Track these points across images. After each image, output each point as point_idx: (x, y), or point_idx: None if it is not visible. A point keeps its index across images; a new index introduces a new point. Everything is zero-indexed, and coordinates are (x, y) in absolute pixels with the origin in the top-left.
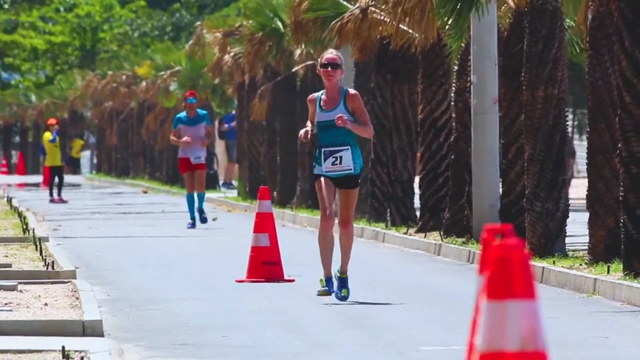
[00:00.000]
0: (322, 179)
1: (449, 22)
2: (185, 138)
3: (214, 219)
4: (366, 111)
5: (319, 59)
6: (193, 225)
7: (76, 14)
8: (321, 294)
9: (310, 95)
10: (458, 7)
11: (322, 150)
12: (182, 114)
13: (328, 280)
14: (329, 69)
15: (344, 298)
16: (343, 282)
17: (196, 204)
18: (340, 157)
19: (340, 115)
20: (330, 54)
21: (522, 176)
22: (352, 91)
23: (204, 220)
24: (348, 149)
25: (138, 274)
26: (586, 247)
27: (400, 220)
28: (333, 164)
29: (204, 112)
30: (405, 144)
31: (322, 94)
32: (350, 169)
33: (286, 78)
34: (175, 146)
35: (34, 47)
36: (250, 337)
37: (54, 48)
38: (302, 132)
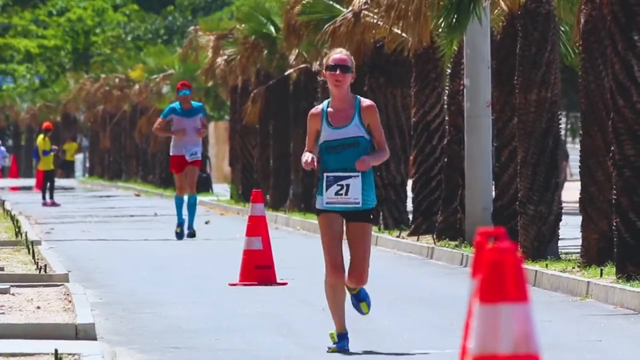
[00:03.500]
0: (327, 216)
1: (443, 27)
2: (179, 130)
3: (206, 222)
4: (381, 127)
5: (324, 61)
6: (180, 235)
7: (68, 17)
8: (332, 351)
9: (313, 110)
10: (455, 15)
11: (325, 175)
12: (176, 104)
13: (341, 336)
14: (338, 72)
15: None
16: (358, 296)
17: (185, 217)
18: (347, 186)
19: (363, 159)
20: (339, 53)
21: (515, 179)
22: (367, 102)
23: (191, 235)
24: (358, 176)
25: (131, 277)
26: (579, 250)
27: (393, 224)
28: (337, 193)
29: (199, 103)
30: (399, 147)
31: (327, 106)
32: (358, 203)
33: (279, 81)
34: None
35: (27, 50)
36: (243, 340)
37: (46, 52)
38: (306, 158)
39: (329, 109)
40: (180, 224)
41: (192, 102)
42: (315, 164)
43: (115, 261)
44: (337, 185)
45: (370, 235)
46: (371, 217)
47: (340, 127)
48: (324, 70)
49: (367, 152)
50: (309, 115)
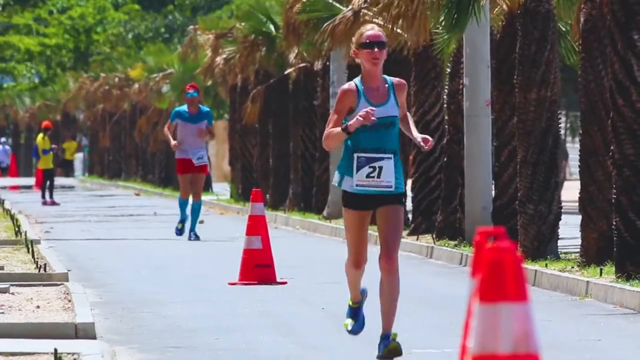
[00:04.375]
0: (355, 207)
1: (443, 26)
2: (174, 143)
3: (200, 222)
4: None
5: (355, 37)
6: (180, 232)
7: (69, 15)
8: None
9: (346, 86)
10: (455, 13)
11: (356, 156)
12: (183, 108)
13: (356, 311)
14: (375, 49)
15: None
16: (388, 338)
17: (188, 220)
18: (380, 169)
19: (426, 137)
20: (371, 29)
21: (515, 179)
22: (397, 79)
23: (195, 237)
24: (391, 158)
25: (130, 277)
26: (578, 250)
27: None
28: (368, 176)
29: (207, 109)
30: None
31: (360, 83)
32: (390, 186)
33: (278, 81)
34: (168, 148)
35: (27, 48)
36: (242, 339)
37: (47, 50)
38: (358, 115)
39: (363, 87)
40: (182, 220)
41: (201, 107)
42: (372, 112)
43: (115, 260)
44: (369, 167)
45: (402, 220)
46: (402, 200)
47: (380, 105)
48: (355, 49)
49: (398, 132)
50: (342, 92)
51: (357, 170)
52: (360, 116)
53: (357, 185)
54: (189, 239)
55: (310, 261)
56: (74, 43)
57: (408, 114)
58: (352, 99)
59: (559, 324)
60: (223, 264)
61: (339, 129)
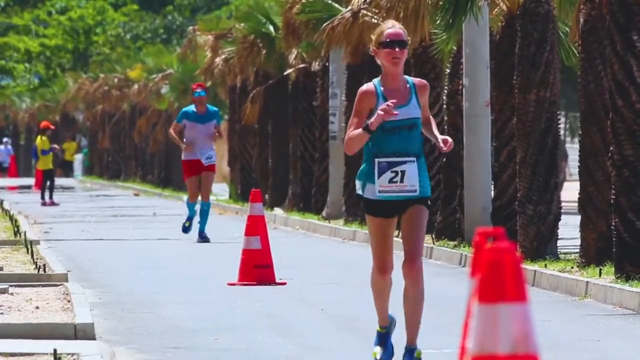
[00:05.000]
0: (377, 213)
1: (442, 26)
2: (184, 145)
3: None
4: None
5: (375, 36)
6: (187, 229)
7: (69, 16)
8: None
9: (365, 87)
10: (452, 13)
11: (377, 161)
12: (190, 108)
13: (385, 336)
14: (396, 48)
15: None
16: (412, 354)
17: (197, 219)
18: (403, 173)
19: (446, 138)
20: (392, 27)
21: (514, 179)
22: (419, 80)
23: (204, 240)
24: (414, 161)
25: (130, 277)
26: (578, 250)
27: None
28: (391, 181)
29: (215, 109)
30: None
31: (379, 84)
32: (415, 191)
33: (278, 81)
34: (168, 148)
35: (27, 49)
36: (242, 340)
37: (46, 51)
38: (379, 111)
39: (382, 88)
40: (190, 217)
41: (209, 106)
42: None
43: (114, 261)
44: (391, 172)
45: (425, 216)
46: (428, 203)
47: (401, 107)
48: (374, 48)
49: (421, 135)
50: (360, 93)
51: (379, 175)
52: (380, 110)
53: (379, 192)
54: (198, 241)
55: (309, 262)
56: (73, 44)
57: (431, 116)
58: (371, 100)
59: (558, 325)
60: (222, 265)
61: (360, 130)
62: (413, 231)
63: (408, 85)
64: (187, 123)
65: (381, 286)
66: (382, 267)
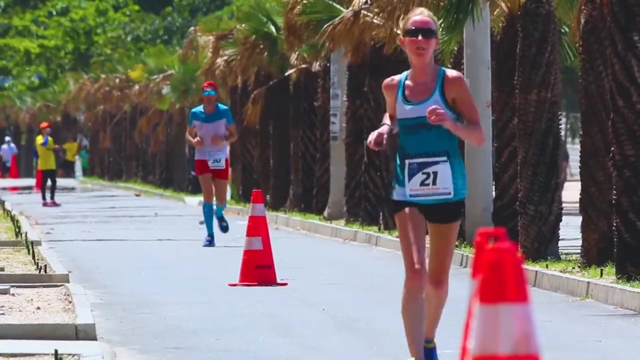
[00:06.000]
0: (407, 211)
1: (444, 27)
2: (195, 140)
3: (201, 222)
4: (474, 103)
5: (401, 24)
6: (211, 242)
7: (70, 17)
8: None
9: (388, 80)
10: (454, 14)
11: (406, 162)
12: (199, 109)
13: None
14: (420, 37)
15: None
16: (430, 355)
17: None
18: (434, 174)
19: (434, 107)
20: (419, 14)
21: (515, 180)
22: (453, 72)
23: (224, 229)
24: (446, 160)
25: (131, 278)
26: (579, 251)
27: (393, 224)
28: (423, 183)
29: (225, 107)
30: None
31: (405, 78)
32: (448, 193)
33: (279, 82)
34: (169, 149)
35: (27, 50)
36: (243, 340)
37: (46, 52)
38: (373, 135)
39: (407, 82)
40: (210, 234)
41: (219, 105)
42: (385, 141)
43: (116, 261)
44: (422, 173)
45: (455, 232)
46: (461, 210)
47: (417, 103)
48: (401, 37)
49: (450, 134)
50: (383, 86)
51: (410, 178)
52: (368, 141)
53: (410, 195)
54: (220, 230)
55: (310, 262)
56: (73, 45)
57: (475, 119)
58: (391, 95)
59: (559, 325)
60: (223, 265)
61: (372, 135)
62: (439, 249)
63: (436, 80)
64: (197, 123)
65: (413, 302)
66: (414, 267)
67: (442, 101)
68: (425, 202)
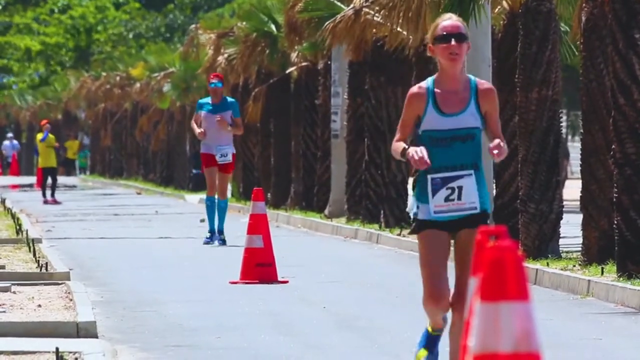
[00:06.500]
0: (430, 234)
1: None
2: (199, 131)
3: (201, 220)
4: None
5: (430, 30)
6: (211, 239)
7: (70, 15)
8: None
9: (415, 89)
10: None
11: (430, 177)
12: (205, 100)
13: (430, 338)
14: (453, 42)
15: None
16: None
17: (216, 219)
18: (459, 189)
19: (498, 142)
20: (449, 19)
21: (516, 177)
22: (485, 84)
23: (222, 242)
24: (471, 174)
25: (132, 276)
26: (580, 249)
27: (394, 222)
28: (447, 199)
29: (232, 99)
30: None
31: (432, 85)
32: (475, 208)
33: (280, 80)
34: (170, 147)
35: (27, 48)
36: (243, 338)
37: (47, 49)
38: (414, 153)
39: (437, 90)
40: (211, 230)
41: (226, 97)
42: (427, 159)
43: (117, 259)
44: (447, 189)
45: None
46: (487, 222)
47: (453, 115)
48: (430, 44)
49: (479, 143)
50: (409, 96)
51: (433, 194)
52: (414, 157)
53: (435, 213)
54: (217, 242)
55: (311, 260)
56: (74, 42)
57: (500, 134)
58: (420, 104)
59: (560, 323)
60: (224, 263)
61: (401, 147)
62: (465, 263)
63: (469, 89)
64: (202, 114)
65: (435, 315)
66: (434, 294)
67: (477, 113)
68: (450, 219)
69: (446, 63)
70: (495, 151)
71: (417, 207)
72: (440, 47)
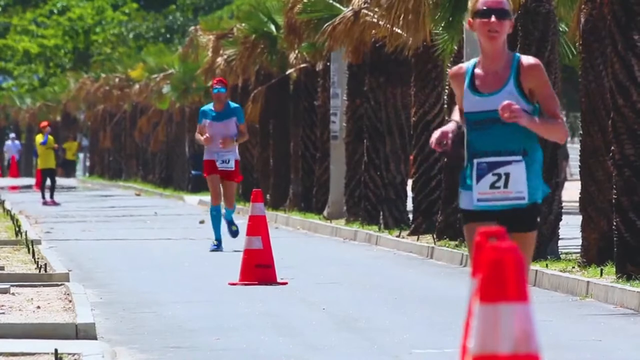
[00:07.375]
0: (474, 227)
1: (442, 25)
2: (204, 136)
3: (201, 222)
4: (554, 93)
5: (470, 5)
6: (218, 246)
7: (68, 17)
8: None
9: (455, 69)
10: (451, 12)
11: (475, 161)
12: (208, 107)
13: None
14: (493, 18)
15: None
16: None
17: (223, 212)
18: (506, 176)
19: (508, 103)
20: None
21: None
22: (529, 59)
23: (234, 233)
24: (520, 160)
25: (131, 277)
26: (579, 250)
27: (393, 223)
28: (493, 186)
29: (236, 105)
30: (398, 147)
31: (474, 65)
32: (522, 198)
33: (279, 81)
34: (169, 148)
35: (26, 50)
36: (243, 339)
37: (46, 51)
38: (436, 134)
39: (477, 70)
40: (218, 239)
41: (229, 103)
42: (450, 141)
43: (116, 261)
44: (493, 174)
45: (531, 243)
46: (537, 219)
47: (488, 95)
48: (470, 19)
49: (527, 130)
50: (450, 76)
51: (478, 180)
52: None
53: (478, 200)
54: (230, 234)
55: (310, 261)
56: (72, 44)
57: (555, 112)
58: (460, 84)
59: (559, 324)
60: (223, 264)
61: (452, 119)
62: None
63: (511, 67)
64: (206, 122)
65: None
66: None
67: (518, 92)
68: (494, 209)
69: (484, 41)
70: (506, 114)
71: (460, 195)
72: (479, 23)
